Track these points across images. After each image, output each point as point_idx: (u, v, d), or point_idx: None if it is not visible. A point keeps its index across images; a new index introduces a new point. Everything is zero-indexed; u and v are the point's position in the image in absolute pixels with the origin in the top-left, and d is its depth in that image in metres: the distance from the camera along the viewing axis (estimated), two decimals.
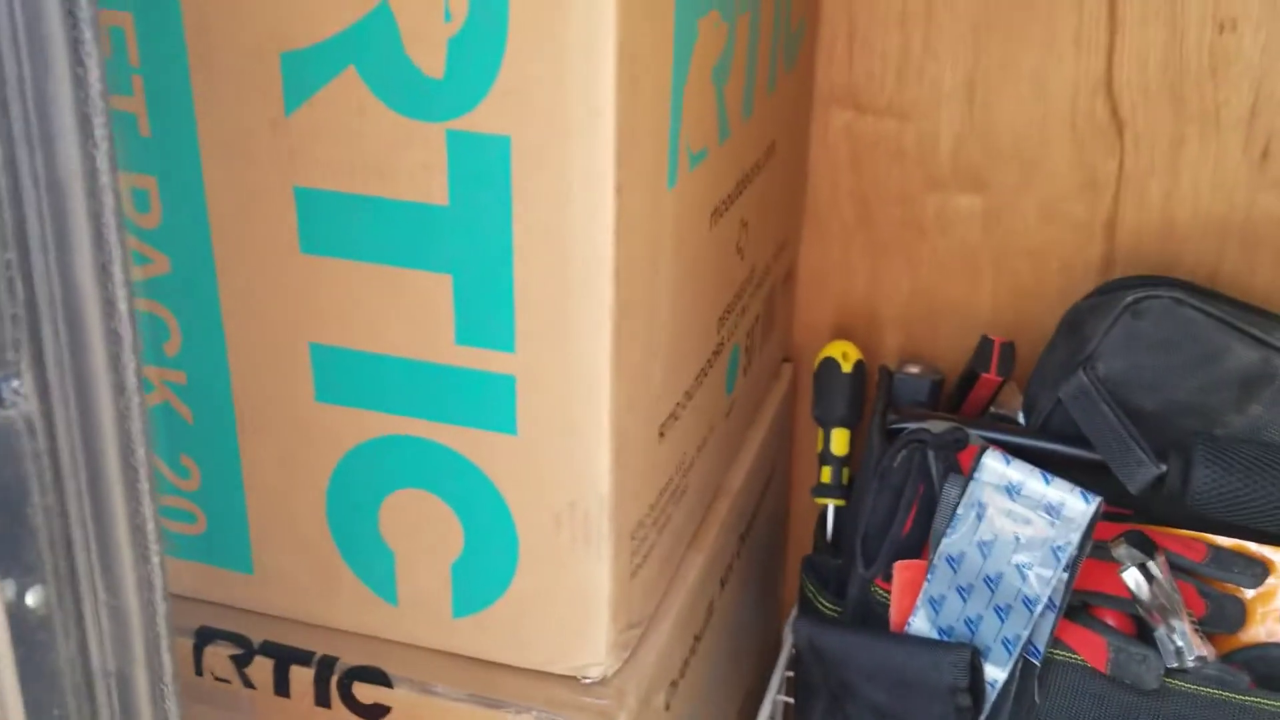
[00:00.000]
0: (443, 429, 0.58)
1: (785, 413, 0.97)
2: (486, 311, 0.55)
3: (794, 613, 0.85)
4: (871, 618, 0.74)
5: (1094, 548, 0.70)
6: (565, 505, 0.58)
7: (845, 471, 0.89)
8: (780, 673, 0.92)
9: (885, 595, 0.73)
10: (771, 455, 0.93)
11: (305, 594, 0.64)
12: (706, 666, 0.78)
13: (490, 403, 0.56)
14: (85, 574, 0.32)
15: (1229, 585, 0.71)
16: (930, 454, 0.73)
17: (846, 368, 0.91)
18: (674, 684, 0.70)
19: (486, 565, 0.60)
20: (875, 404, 0.84)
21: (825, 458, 0.90)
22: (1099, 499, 0.66)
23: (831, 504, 0.88)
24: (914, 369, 0.88)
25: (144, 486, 0.32)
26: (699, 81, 0.59)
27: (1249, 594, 0.71)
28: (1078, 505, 0.65)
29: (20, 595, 0.31)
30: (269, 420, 0.60)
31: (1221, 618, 0.71)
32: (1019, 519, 0.66)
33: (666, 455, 0.65)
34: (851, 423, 0.90)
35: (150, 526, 0.33)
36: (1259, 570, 0.71)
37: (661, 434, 0.63)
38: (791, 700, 0.89)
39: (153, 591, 0.34)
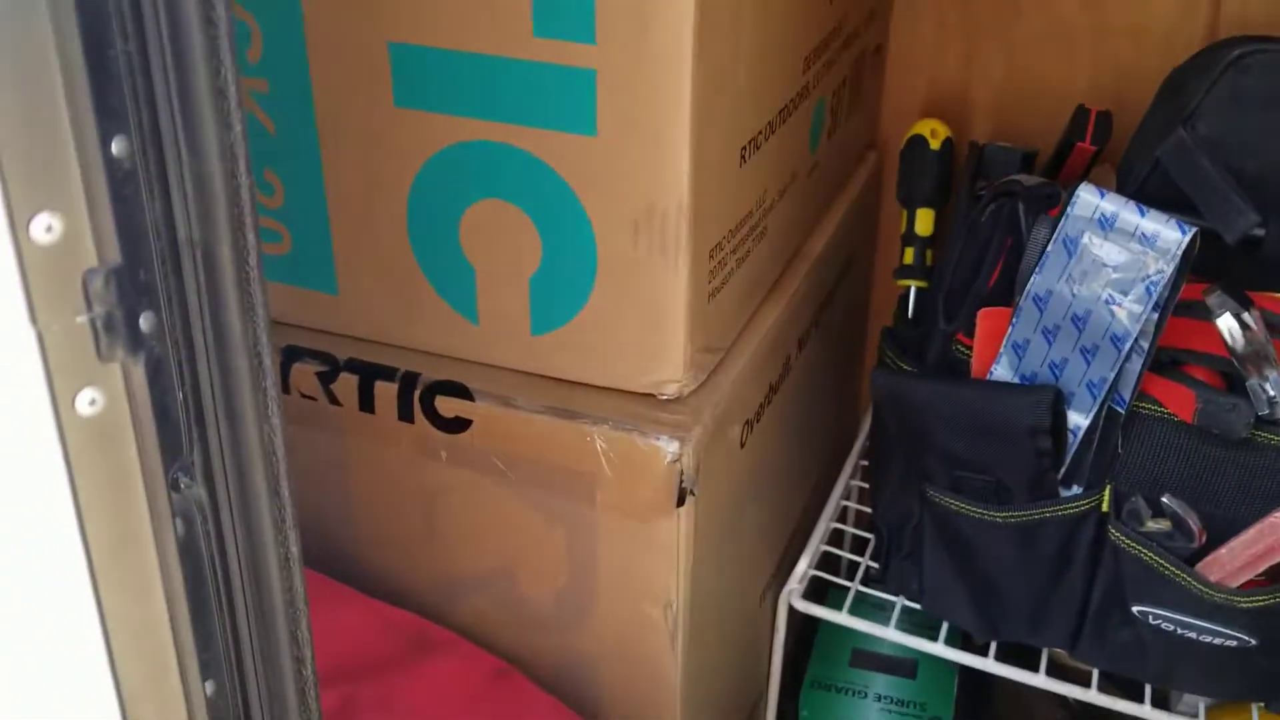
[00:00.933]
0: (522, 132, 0.58)
1: (869, 197, 0.95)
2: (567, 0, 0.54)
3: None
4: (952, 375, 0.73)
5: (1184, 306, 0.68)
6: (643, 211, 0.57)
7: (929, 254, 0.88)
8: (855, 454, 0.92)
9: (967, 351, 0.72)
10: (853, 237, 0.91)
11: (388, 314, 0.65)
12: (782, 424, 0.78)
13: (569, 101, 0.56)
14: (168, 130, 0.33)
15: None
16: (1020, 206, 0.71)
17: (934, 145, 0.88)
18: (749, 424, 0.70)
19: (565, 278, 0.61)
20: (963, 176, 0.82)
21: (909, 239, 0.88)
22: (1194, 229, 0.63)
23: (914, 285, 0.87)
24: (1005, 143, 0.86)
25: (224, 44, 0.32)
26: None
27: None
28: (1172, 235, 0.63)
29: (105, 141, 0.31)
30: (349, 128, 0.61)
31: None
32: (1112, 252, 0.64)
33: (747, 183, 0.64)
34: (937, 203, 0.88)
35: (232, 91, 0.33)
36: None
37: (742, 158, 0.63)
38: (865, 485, 0.89)
39: (235, 164, 0.34)
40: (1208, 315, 0.66)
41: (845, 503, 0.90)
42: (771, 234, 0.71)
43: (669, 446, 0.60)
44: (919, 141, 0.89)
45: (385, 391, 0.65)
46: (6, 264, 0.25)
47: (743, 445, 0.69)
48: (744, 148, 0.63)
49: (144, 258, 0.30)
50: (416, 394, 0.65)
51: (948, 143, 0.89)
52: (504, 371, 0.65)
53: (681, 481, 0.61)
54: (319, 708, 0.44)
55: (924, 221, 0.88)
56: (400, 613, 0.67)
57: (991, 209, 0.73)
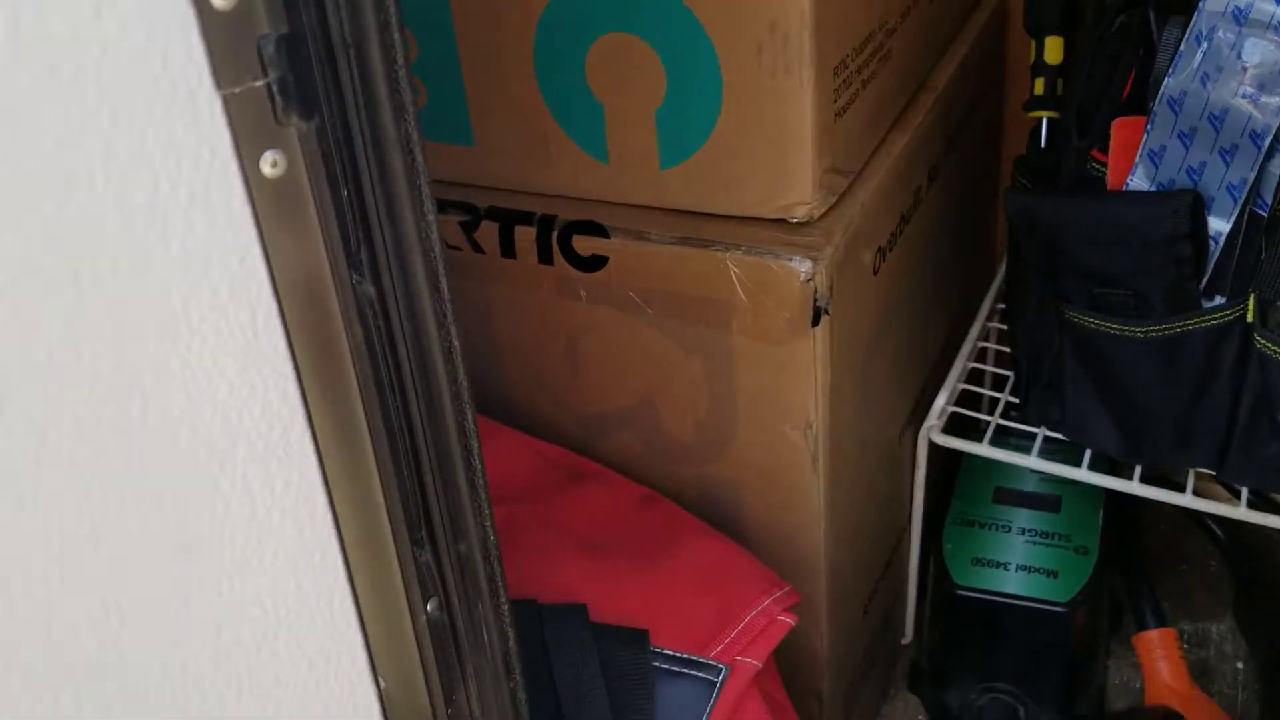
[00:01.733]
0: None
1: (994, 32, 0.93)
2: None
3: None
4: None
5: None
6: (765, 29, 0.58)
7: (1059, 83, 0.86)
8: (992, 297, 0.92)
9: (1102, 168, 0.71)
10: (980, 73, 0.90)
11: (523, 160, 0.68)
12: (916, 255, 0.78)
13: None
14: None
15: None
16: (1152, 14, 0.69)
17: None
18: (881, 251, 0.70)
19: (691, 108, 0.62)
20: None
21: (1038, 68, 0.86)
22: None
23: (1045, 116, 0.85)
24: None
25: None
26: None
27: None
28: None
29: None
30: None
31: None
32: (1247, 45, 0.62)
33: (868, 1, 0.64)
34: (1067, 29, 0.86)
35: None
36: None
37: None
38: (1004, 327, 0.89)
39: None
40: None
41: (984, 344, 0.90)
42: (895, 58, 0.70)
43: (802, 266, 0.61)
44: None
45: (524, 236, 0.68)
46: (190, 30, 0.28)
47: (875, 272, 0.70)
48: None
49: (305, 36, 0.32)
50: (554, 235, 0.67)
51: None
52: (637, 208, 0.66)
53: (816, 300, 0.62)
54: (489, 500, 0.47)
55: (1053, 50, 0.86)
56: (551, 447, 0.71)
57: (1121, 20, 0.71)
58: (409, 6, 0.64)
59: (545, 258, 0.68)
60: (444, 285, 0.42)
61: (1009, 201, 0.72)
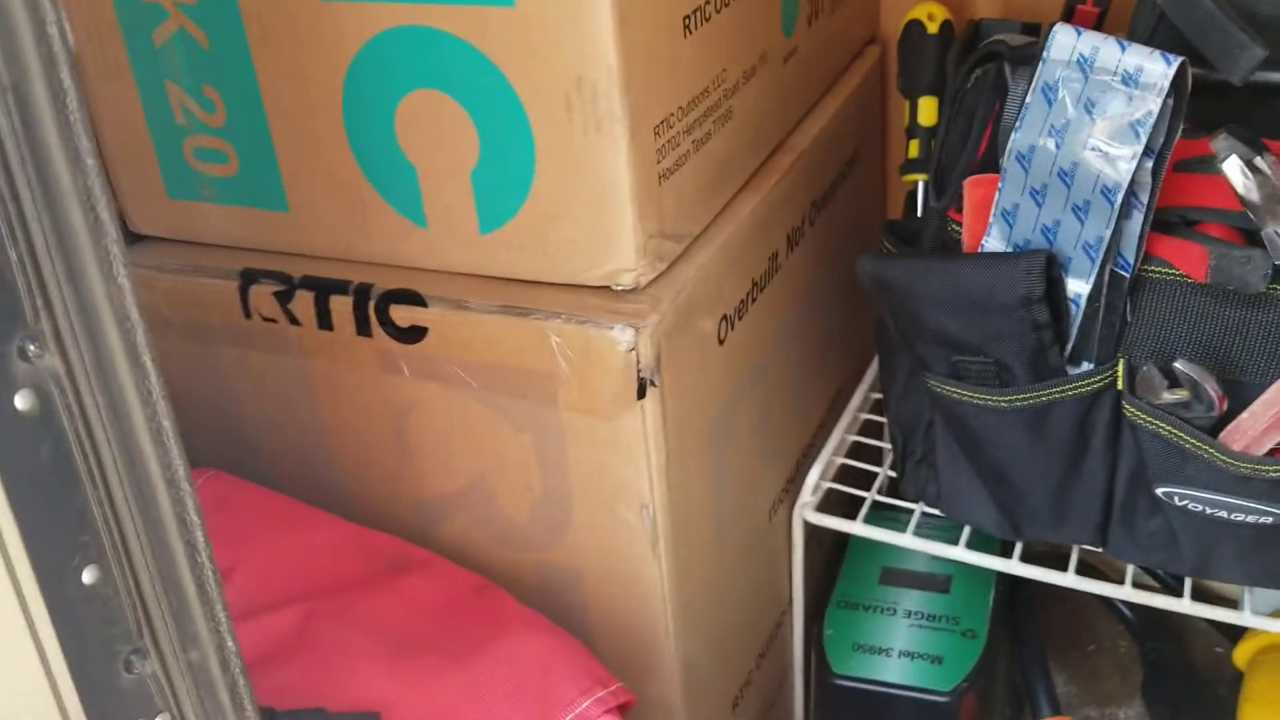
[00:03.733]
0: (439, 11, 0.55)
1: (871, 93, 0.90)
2: None
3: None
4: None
5: (1195, 162, 0.63)
6: (573, 84, 0.54)
7: (934, 144, 0.83)
8: (873, 372, 0.88)
9: (959, 228, 0.67)
10: (855, 134, 0.87)
11: (339, 226, 0.64)
12: (775, 324, 0.74)
13: None
14: None
15: None
16: (1007, 67, 0.66)
17: (932, 28, 0.83)
18: (727, 319, 0.66)
19: (505, 167, 0.58)
20: (956, 53, 0.77)
21: (912, 130, 0.83)
22: (1181, 59, 0.58)
23: (921, 180, 0.82)
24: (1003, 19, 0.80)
25: None
26: None
27: None
28: (1157, 68, 0.58)
29: None
30: (277, 29, 0.59)
31: None
32: (1094, 95, 0.59)
33: (696, 57, 0.61)
34: (940, 89, 0.83)
35: None
36: None
37: (687, 28, 0.59)
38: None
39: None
40: (1218, 168, 0.61)
41: (868, 415, 0.86)
42: (740, 118, 0.67)
43: (623, 336, 0.57)
44: (915, 26, 0.84)
45: (341, 306, 0.63)
46: None
47: (722, 341, 0.66)
48: (688, 17, 0.59)
49: None
50: (371, 305, 0.63)
51: (946, 25, 0.84)
52: (458, 275, 0.62)
53: (640, 372, 0.58)
54: (224, 601, 0.42)
55: (927, 111, 0.83)
56: (379, 535, 0.66)
57: (977, 75, 0.69)
58: (211, 64, 0.61)
59: (363, 329, 0.63)
60: (146, 358, 0.37)
61: (860, 266, 0.68)
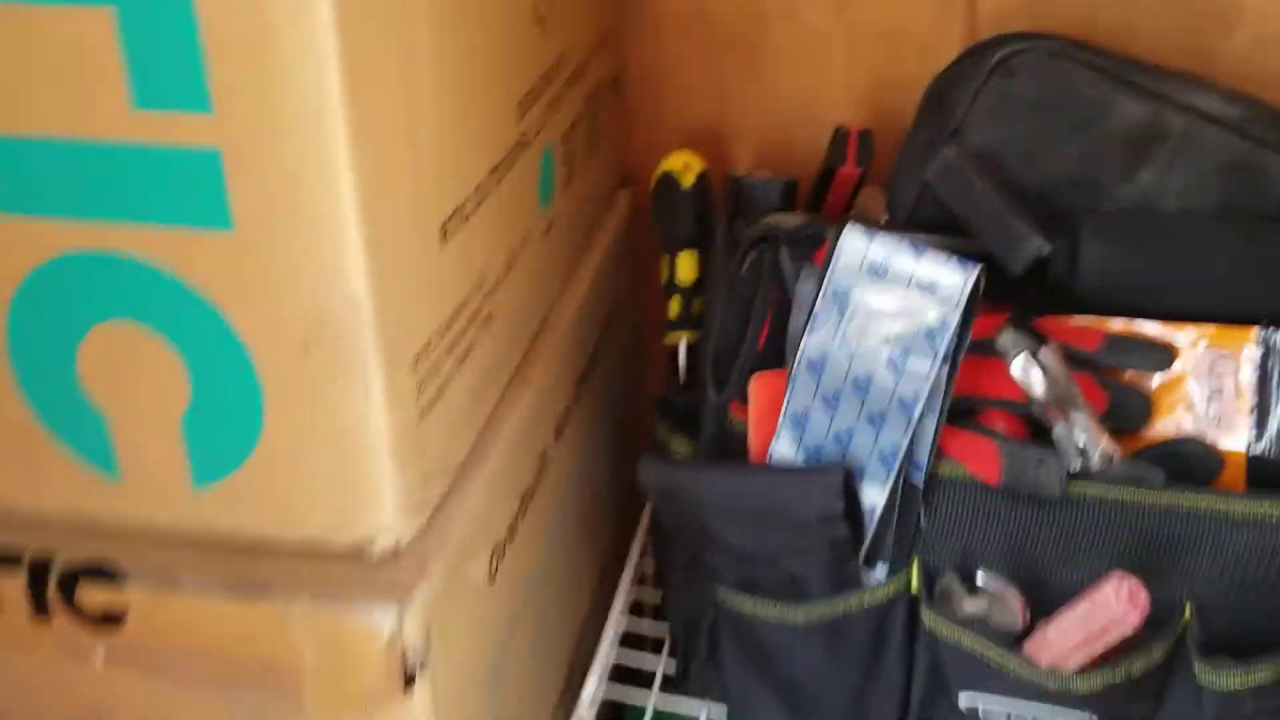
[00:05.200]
0: (135, 233, 0.44)
1: (625, 243, 0.84)
2: (168, 57, 0.40)
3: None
4: (730, 451, 0.63)
5: (979, 345, 0.60)
6: (312, 325, 0.44)
7: (696, 302, 0.78)
8: (642, 535, 0.81)
9: (743, 424, 0.62)
10: (612, 291, 0.81)
11: (7, 478, 0.50)
12: (544, 532, 0.66)
13: (191, 189, 0.42)
14: None
15: (1130, 375, 0.62)
16: (783, 252, 0.62)
17: (688, 181, 0.78)
18: (499, 550, 0.57)
19: (226, 415, 0.47)
20: (720, 216, 0.72)
21: (671, 287, 0.78)
22: (978, 266, 0.55)
23: (684, 339, 0.76)
24: (764, 174, 0.76)
25: None
26: None
27: (1154, 384, 0.62)
28: (953, 280, 0.54)
29: None
30: None
31: (1126, 412, 0.61)
32: (887, 304, 0.55)
33: (456, 265, 0.52)
34: (699, 244, 0.78)
35: None
36: (1162, 355, 0.62)
37: (445, 235, 0.50)
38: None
39: None
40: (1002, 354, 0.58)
41: (638, 588, 0.79)
42: (502, 317, 0.59)
43: (384, 620, 0.47)
44: (669, 179, 0.78)
45: (13, 585, 0.50)
46: None
47: (493, 580, 0.57)
48: (445, 222, 0.50)
49: None
50: (52, 582, 0.49)
51: (702, 178, 0.79)
52: (165, 539, 0.50)
53: (407, 660, 0.48)
54: None
55: (686, 266, 0.78)
56: None
57: (751, 258, 0.63)
58: None
59: (42, 610, 0.50)
60: None
61: (643, 473, 0.62)
